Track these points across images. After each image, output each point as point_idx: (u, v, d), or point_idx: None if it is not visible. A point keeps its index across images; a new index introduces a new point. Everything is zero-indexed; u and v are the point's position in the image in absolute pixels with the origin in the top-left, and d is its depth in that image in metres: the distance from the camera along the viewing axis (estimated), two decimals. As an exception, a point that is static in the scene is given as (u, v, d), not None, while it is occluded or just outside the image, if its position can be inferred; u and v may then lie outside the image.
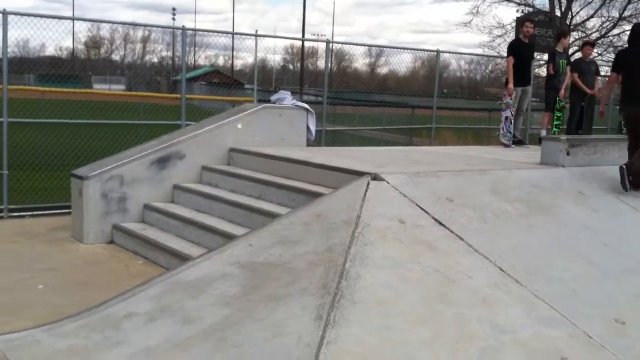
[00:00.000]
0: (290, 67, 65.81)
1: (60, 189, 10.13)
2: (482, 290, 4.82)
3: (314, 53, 49.38)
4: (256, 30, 11.27)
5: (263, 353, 4.12)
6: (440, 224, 5.54)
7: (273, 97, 9.84)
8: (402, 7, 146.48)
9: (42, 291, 5.99)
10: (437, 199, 5.97)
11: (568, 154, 7.60)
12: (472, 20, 27.00)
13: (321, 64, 30.50)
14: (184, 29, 10.65)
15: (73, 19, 13.48)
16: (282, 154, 7.95)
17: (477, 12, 26.71)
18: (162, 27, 22.10)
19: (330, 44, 12.76)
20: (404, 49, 14.33)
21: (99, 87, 35.16)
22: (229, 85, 32.34)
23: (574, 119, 11.51)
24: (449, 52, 15.67)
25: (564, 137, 8.40)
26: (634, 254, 6.03)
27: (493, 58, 25.12)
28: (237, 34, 12.67)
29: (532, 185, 6.83)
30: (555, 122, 11.62)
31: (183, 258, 6.44)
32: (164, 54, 57.40)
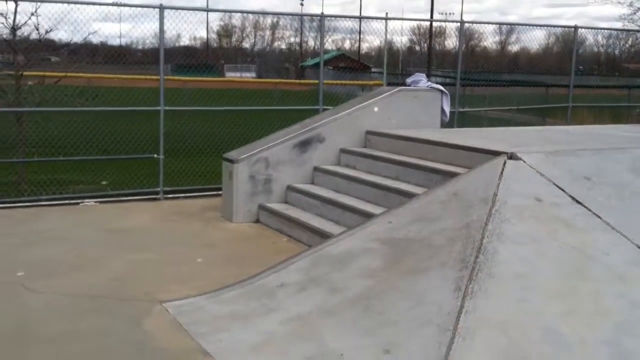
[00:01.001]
0: (417, 48, 65.30)
1: (205, 173, 10.92)
2: (619, 267, 4.89)
3: (441, 33, 48.80)
4: (386, 14, 11.54)
5: (406, 319, 4.46)
6: (578, 202, 5.61)
7: (409, 80, 9.99)
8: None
9: (202, 264, 6.63)
10: (575, 177, 6.02)
11: None
12: (612, -9, 25.84)
13: (449, 43, 30.16)
14: (322, 15, 11.02)
15: (231, 11, 14.17)
16: (417, 135, 8.15)
17: (618, -18, 25.50)
18: (304, 15, 22.57)
19: (464, 24, 12.70)
20: (539, 25, 14.10)
21: (231, 75, 36.53)
22: (356, 69, 32.78)
23: None
24: (587, 28, 15.11)
25: None
26: None
27: (633, 32, 23.91)
28: (368, 17, 12.94)
29: (676, 163, 6.68)
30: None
31: (325, 236, 6.86)
32: (291, 40, 58.71)
